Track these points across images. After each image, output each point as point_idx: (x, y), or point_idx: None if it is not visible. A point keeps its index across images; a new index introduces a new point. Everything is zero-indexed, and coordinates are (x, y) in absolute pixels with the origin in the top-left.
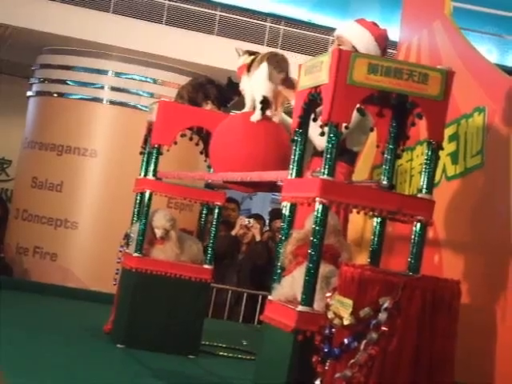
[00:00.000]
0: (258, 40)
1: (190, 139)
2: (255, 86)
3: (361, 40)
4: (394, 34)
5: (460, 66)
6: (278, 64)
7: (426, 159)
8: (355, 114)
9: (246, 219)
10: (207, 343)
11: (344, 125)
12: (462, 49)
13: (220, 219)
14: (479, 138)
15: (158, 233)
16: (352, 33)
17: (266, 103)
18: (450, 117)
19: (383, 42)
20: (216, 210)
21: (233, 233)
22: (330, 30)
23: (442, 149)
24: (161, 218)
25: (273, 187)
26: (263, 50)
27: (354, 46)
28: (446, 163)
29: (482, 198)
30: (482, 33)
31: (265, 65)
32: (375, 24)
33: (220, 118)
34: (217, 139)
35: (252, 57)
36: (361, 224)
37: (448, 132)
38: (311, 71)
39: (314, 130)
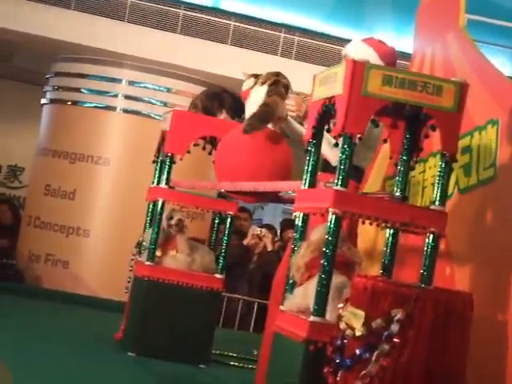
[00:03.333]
0: (271, 50)
1: (203, 148)
2: (256, 101)
3: (365, 58)
4: (407, 46)
5: (474, 79)
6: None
7: (439, 171)
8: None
9: (258, 229)
10: (218, 352)
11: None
12: (475, 61)
13: (232, 229)
14: (492, 151)
15: (173, 221)
16: (357, 51)
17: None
18: (463, 129)
19: (389, 59)
20: (228, 220)
21: (245, 242)
22: (344, 41)
23: (456, 161)
24: (177, 212)
25: (275, 198)
26: (277, 60)
27: None
28: (459, 175)
29: (494, 211)
30: (495, 45)
31: (266, 88)
32: (381, 42)
33: (232, 128)
34: (219, 150)
35: (255, 80)
36: (373, 235)
37: (461, 144)
38: (326, 82)
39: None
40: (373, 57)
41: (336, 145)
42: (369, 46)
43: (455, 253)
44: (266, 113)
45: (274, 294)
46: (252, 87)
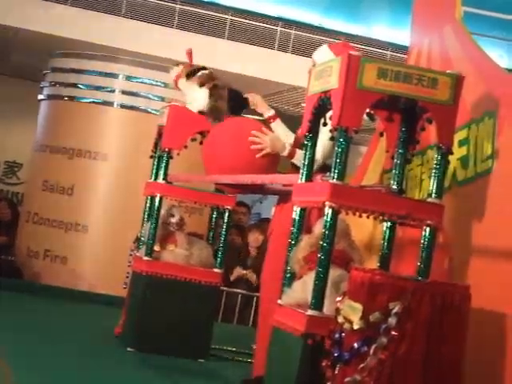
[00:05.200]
0: (268, 44)
1: (201, 143)
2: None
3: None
4: (404, 39)
5: (470, 71)
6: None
7: (436, 164)
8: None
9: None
10: (217, 347)
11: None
12: (472, 53)
13: (230, 223)
14: (489, 143)
15: (174, 219)
16: (320, 57)
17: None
18: (460, 121)
19: None
20: (226, 214)
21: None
22: (340, 35)
23: (452, 153)
24: (176, 208)
25: (257, 189)
26: (274, 54)
27: None
28: (457, 168)
29: (492, 203)
30: (492, 37)
31: (206, 91)
32: (346, 46)
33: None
34: (206, 144)
35: (181, 67)
36: (370, 228)
37: (458, 136)
38: (321, 76)
39: None
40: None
41: (332, 138)
42: (331, 51)
43: (453, 245)
44: (219, 115)
45: (264, 286)
46: (188, 74)
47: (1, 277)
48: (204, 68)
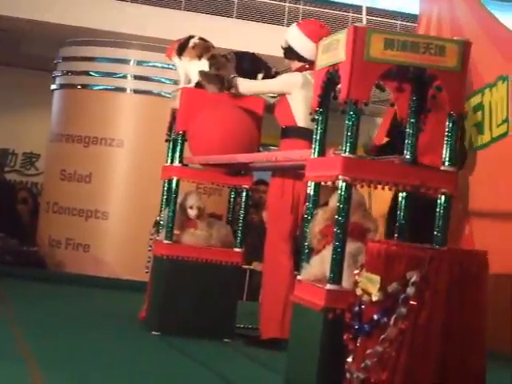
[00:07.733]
0: (277, 21)
1: None
2: (193, 71)
3: (293, 39)
4: (414, 7)
5: (482, 37)
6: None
7: (448, 131)
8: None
9: None
10: (242, 326)
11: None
12: (482, 19)
13: (249, 202)
14: (504, 107)
15: (192, 212)
16: (289, 34)
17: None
18: (474, 87)
19: (317, 36)
20: (244, 193)
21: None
22: (349, 8)
23: (463, 120)
24: (195, 198)
25: (246, 168)
26: (282, 30)
27: (290, 45)
28: (473, 134)
29: (509, 167)
30: (505, 1)
31: (206, 63)
32: (311, 23)
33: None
34: (192, 126)
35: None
36: (388, 197)
37: (472, 102)
38: (328, 49)
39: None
40: (300, 37)
41: (313, 120)
42: (298, 27)
43: (473, 211)
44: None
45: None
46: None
47: (25, 267)
48: (191, 37)
